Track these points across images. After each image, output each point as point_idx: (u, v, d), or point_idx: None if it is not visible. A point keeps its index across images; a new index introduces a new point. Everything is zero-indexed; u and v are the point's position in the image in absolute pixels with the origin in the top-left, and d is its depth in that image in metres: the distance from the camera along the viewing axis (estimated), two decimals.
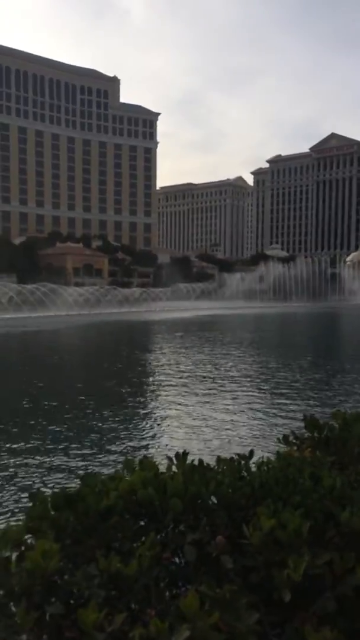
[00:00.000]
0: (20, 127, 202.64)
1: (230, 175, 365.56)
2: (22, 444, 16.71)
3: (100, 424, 19.14)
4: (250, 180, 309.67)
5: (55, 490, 2.92)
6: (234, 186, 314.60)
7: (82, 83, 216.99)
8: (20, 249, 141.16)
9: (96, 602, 2.11)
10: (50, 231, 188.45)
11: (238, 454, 3.57)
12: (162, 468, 3.41)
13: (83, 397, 24.16)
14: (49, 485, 12.70)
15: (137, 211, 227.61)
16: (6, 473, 13.93)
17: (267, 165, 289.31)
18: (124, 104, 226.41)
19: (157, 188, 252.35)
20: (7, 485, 12.99)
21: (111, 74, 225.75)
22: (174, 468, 3.43)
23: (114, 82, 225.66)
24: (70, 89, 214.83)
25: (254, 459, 3.55)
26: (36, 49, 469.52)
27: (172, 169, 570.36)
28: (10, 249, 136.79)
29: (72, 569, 2.54)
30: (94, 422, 19.44)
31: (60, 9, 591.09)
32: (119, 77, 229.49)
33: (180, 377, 28.53)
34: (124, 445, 16.57)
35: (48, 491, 3.01)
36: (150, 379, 29.75)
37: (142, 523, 2.94)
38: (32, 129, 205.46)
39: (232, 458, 3.53)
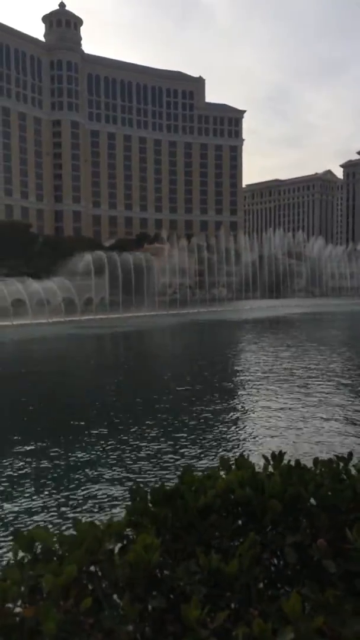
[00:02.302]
0: (109, 132, 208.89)
1: (319, 169, 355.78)
2: (123, 436, 17.19)
3: (199, 421, 19.32)
4: (340, 173, 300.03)
5: (155, 485, 2.98)
6: (323, 180, 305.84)
7: (168, 85, 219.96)
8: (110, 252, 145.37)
9: (198, 599, 2.13)
10: (138, 233, 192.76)
11: (337, 456, 3.47)
12: (258, 467, 3.38)
13: (185, 391, 24.51)
14: (146, 480, 12.96)
15: (222, 210, 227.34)
16: (104, 466, 14.36)
17: (358, 157, 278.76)
18: (210, 103, 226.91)
19: (243, 186, 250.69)
20: (108, 477, 13.38)
21: (196, 75, 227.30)
22: (270, 468, 3.40)
23: (199, 82, 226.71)
24: (156, 92, 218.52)
25: (354, 461, 3.44)
26: (125, 56, 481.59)
27: (258, 166, 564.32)
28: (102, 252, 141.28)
29: (173, 564, 2.58)
30: (193, 419, 19.66)
31: (147, 16, 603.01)
32: (204, 77, 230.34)
33: (277, 374, 28.21)
34: (221, 442, 16.62)
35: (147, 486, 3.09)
36: (246, 377, 29.60)
37: (239, 522, 2.94)
38: (121, 134, 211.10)
39: (330, 460, 3.44)
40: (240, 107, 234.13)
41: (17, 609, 2.16)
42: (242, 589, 2.41)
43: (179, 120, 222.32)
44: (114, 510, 11.24)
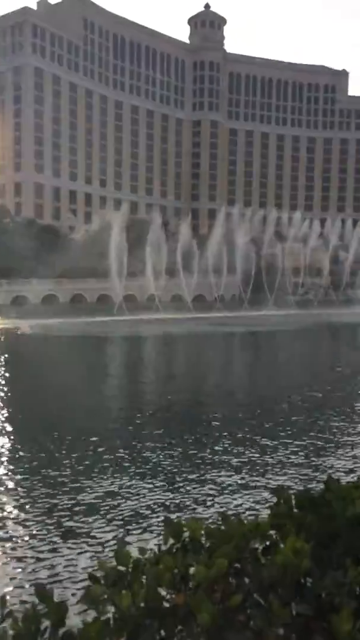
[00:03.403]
0: (247, 130, 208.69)
1: None
2: (274, 438, 17.18)
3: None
4: None
5: (299, 489, 2.93)
6: None
7: (309, 80, 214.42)
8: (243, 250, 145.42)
9: (349, 611, 2.05)
10: (273, 231, 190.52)
11: None
12: None
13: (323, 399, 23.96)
14: (287, 482, 12.83)
15: None
16: (248, 467, 14.42)
17: None
18: (353, 96, 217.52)
19: None
20: (252, 479, 13.43)
21: (339, 67, 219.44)
22: None
23: (342, 75, 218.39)
24: (297, 87, 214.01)
25: None
26: (266, 52, 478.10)
27: None
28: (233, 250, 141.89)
29: (317, 572, 2.51)
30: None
31: (290, 9, 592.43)
32: (347, 70, 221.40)
33: None
34: None
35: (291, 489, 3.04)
36: None
37: None
38: (259, 131, 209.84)
39: None
40: None
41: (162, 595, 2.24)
42: None
43: (319, 115, 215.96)
44: None
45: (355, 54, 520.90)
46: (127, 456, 15.19)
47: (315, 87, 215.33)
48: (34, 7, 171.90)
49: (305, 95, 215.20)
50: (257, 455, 15.24)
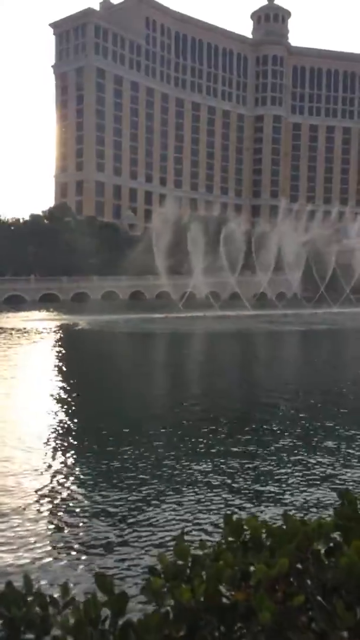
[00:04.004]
0: (311, 124, 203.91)
1: None
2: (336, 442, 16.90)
3: None
4: None
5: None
6: None
7: None
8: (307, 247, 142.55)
9: None
10: (336, 227, 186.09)
11: None
12: None
13: None
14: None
15: None
16: (316, 469, 14.23)
17: None
18: None
19: None
20: (318, 481, 13.27)
21: None
22: None
23: None
24: None
25: None
26: (334, 43, 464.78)
27: None
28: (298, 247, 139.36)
29: None
30: None
31: None
32: None
33: None
34: None
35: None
36: None
37: None
38: (323, 125, 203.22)
39: None
40: None
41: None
42: None
43: None
44: None
45: None
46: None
47: None
48: (97, 7, 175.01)
49: None
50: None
